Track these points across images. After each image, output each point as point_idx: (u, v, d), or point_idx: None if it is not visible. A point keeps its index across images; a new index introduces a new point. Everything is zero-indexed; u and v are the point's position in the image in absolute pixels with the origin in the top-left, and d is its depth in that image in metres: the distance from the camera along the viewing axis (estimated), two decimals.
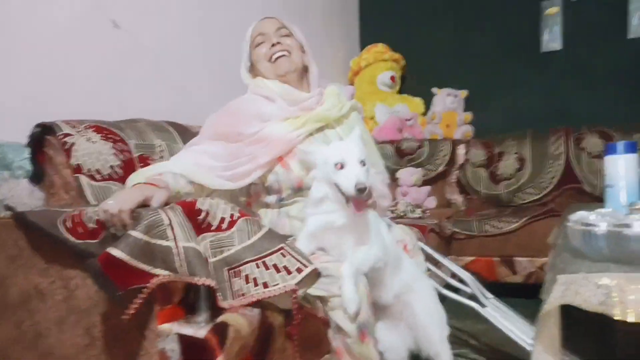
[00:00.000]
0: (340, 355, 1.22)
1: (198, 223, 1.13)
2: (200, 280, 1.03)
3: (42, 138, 1.53)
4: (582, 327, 0.77)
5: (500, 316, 1.54)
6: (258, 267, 1.13)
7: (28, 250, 1.24)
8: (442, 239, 2.45)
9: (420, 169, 3.05)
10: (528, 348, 1.43)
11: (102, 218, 1.10)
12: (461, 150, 3.15)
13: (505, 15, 3.35)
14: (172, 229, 1.06)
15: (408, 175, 2.96)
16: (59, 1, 1.76)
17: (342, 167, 1.21)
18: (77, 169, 1.48)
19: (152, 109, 1.94)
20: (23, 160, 1.58)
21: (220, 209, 1.19)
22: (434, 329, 1.42)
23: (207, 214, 1.16)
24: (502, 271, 2.47)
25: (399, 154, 3.11)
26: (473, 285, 1.71)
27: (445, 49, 3.50)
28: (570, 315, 0.78)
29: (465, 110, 3.38)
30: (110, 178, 1.53)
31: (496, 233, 2.48)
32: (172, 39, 2.20)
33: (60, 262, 1.19)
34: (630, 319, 0.71)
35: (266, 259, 1.14)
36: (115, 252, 0.99)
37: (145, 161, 1.65)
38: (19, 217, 1.25)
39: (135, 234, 1.02)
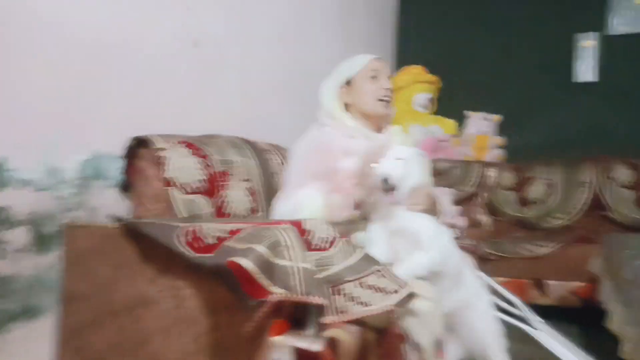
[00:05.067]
0: None
1: (305, 242, 1.24)
2: (315, 299, 1.13)
3: (136, 150, 1.62)
4: None
5: (554, 340, 1.65)
6: (358, 286, 1.23)
7: (135, 259, 1.33)
8: (478, 259, 2.55)
9: (452, 189, 3.16)
10: None
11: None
12: (492, 173, 3.26)
13: (541, 45, 3.47)
14: (291, 249, 1.16)
15: (441, 194, 3.07)
16: (150, 27, 1.88)
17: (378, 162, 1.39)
18: (169, 182, 1.57)
19: (229, 123, 2.05)
20: (116, 170, 1.68)
21: (319, 229, 1.29)
22: (492, 346, 1.53)
23: (311, 233, 1.26)
24: (533, 293, 2.58)
25: (433, 173, 3.22)
26: (523, 308, 1.81)
27: (480, 73, 3.63)
28: None
29: (499, 134, 3.50)
30: (198, 192, 1.62)
31: (529, 256, 2.59)
32: (257, 56, 2.32)
33: (171, 273, 1.27)
34: None
35: (365, 279, 1.24)
36: (245, 262, 1.08)
37: (224, 176, 1.74)
38: (131, 227, 1.34)
39: (261, 249, 1.11)
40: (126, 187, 1.65)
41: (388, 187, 1.35)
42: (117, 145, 1.60)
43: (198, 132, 1.77)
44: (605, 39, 3.34)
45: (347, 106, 1.75)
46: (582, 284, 2.45)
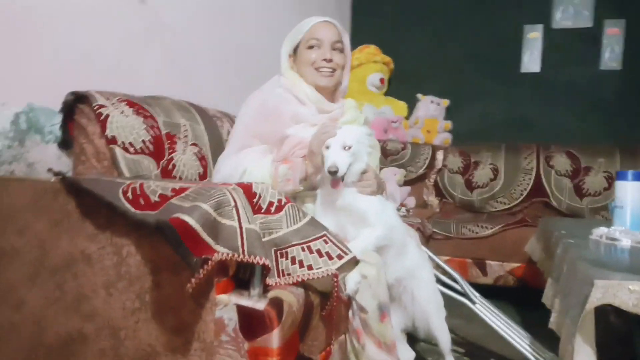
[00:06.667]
0: (360, 335, 1.34)
1: (253, 205, 1.22)
2: (259, 259, 1.12)
3: (74, 106, 1.54)
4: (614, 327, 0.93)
5: (490, 314, 1.71)
6: (304, 250, 1.22)
7: (76, 216, 1.28)
8: (423, 237, 2.61)
9: (402, 169, 3.22)
10: (517, 346, 1.61)
11: None
12: (440, 155, 3.34)
13: (491, 34, 3.56)
14: (237, 210, 1.13)
15: (391, 174, 3.12)
16: None
17: (327, 148, 1.39)
18: (112, 140, 1.50)
19: (166, 86, 1.97)
20: (54, 125, 1.60)
21: (269, 194, 1.27)
22: (433, 314, 1.57)
23: (260, 197, 1.24)
24: (474, 272, 2.67)
25: (383, 153, 3.26)
26: (463, 284, 1.87)
27: (431, 58, 3.68)
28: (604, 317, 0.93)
29: (445, 118, 3.57)
30: (142, 152, 1.57)
31: (472, 237, 2.68)
32: (192, 19, 2.23)
33: (113, 230, 1.23)
34: None
35: (311, 244, 1.24)
36: (189, 220, 1.05)
37: (172, 139, 1.69)
38: (71, 183, 1.28)
39: (207, 207, 1.08)
40: (66, 143, 1.58)
41: (336, 177, 1.37)
42: (53, 99, 1.51)
43: (137, 93, 1.70)
44: (549, 31, 3.47)
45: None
46: (518, 265, 2.56)
